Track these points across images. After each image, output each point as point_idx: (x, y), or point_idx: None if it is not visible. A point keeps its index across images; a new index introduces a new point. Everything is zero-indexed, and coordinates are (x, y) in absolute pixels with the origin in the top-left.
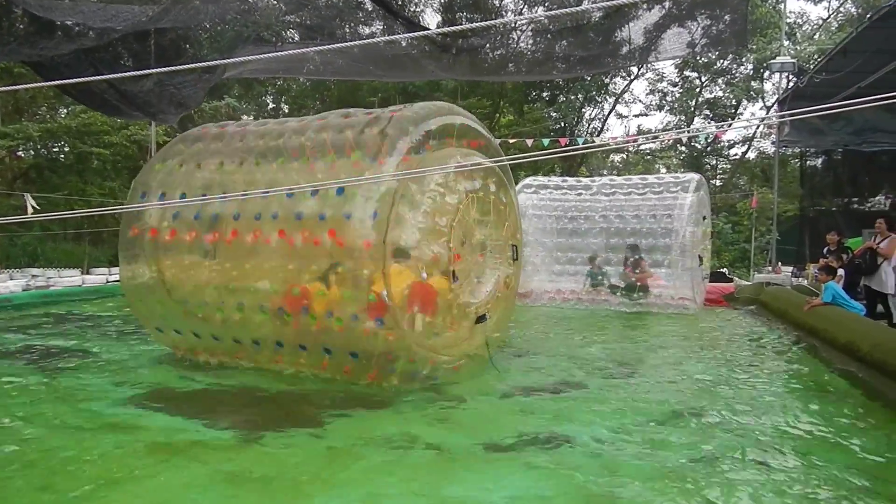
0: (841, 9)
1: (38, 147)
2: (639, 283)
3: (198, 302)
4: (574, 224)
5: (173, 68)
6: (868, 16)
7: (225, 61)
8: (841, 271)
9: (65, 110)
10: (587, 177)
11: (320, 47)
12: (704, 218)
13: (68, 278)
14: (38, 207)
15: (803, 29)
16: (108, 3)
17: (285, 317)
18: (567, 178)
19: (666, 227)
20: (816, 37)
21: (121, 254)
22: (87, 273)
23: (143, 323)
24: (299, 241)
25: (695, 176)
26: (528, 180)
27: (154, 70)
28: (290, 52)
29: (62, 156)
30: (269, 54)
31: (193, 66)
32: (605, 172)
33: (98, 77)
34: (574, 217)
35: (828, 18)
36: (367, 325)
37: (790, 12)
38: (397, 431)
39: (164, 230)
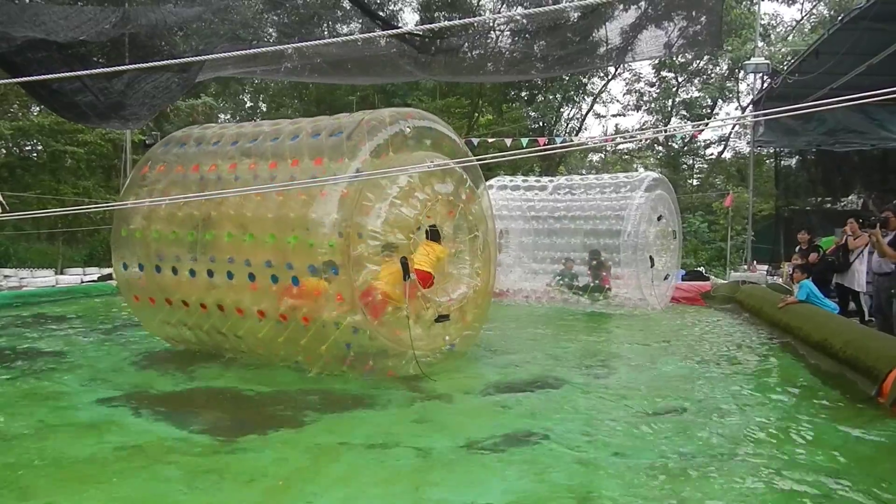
0: (813, 11)
1: (10, 145)
2: (592, 285)
3: (184, 296)
4: (533, 224)
5: (148, 65)
6: (840, 18)
7: (201, 58)
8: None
9: (37, 108)
10: (565, 175)
11: (298, 44)
12: (660, 218)
13: (42, 279)
14: (7, 207)
15: (777, 30)
16: (70, 4)
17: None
18: (527, 178)
19: (612, 228)
20: (790, 38)
21: (113, 250)
22: (61, 273)
23: (137, 316)
24: (275, 238)
25: (649, 174)
26: (491, 181)
27: (129, 67)
28: (268, 49)
29: (35, 154)
30: (247, 51)
31: (168, 62)
32: (583, 172)
33: (71, 73)
34: (531, 217)
35: (801, 20)
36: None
37: (764, 14)
38: (377, 431)
39: (152, 227)
